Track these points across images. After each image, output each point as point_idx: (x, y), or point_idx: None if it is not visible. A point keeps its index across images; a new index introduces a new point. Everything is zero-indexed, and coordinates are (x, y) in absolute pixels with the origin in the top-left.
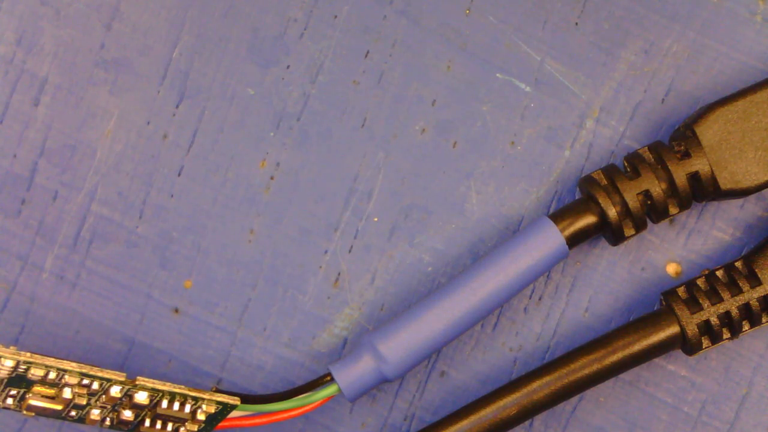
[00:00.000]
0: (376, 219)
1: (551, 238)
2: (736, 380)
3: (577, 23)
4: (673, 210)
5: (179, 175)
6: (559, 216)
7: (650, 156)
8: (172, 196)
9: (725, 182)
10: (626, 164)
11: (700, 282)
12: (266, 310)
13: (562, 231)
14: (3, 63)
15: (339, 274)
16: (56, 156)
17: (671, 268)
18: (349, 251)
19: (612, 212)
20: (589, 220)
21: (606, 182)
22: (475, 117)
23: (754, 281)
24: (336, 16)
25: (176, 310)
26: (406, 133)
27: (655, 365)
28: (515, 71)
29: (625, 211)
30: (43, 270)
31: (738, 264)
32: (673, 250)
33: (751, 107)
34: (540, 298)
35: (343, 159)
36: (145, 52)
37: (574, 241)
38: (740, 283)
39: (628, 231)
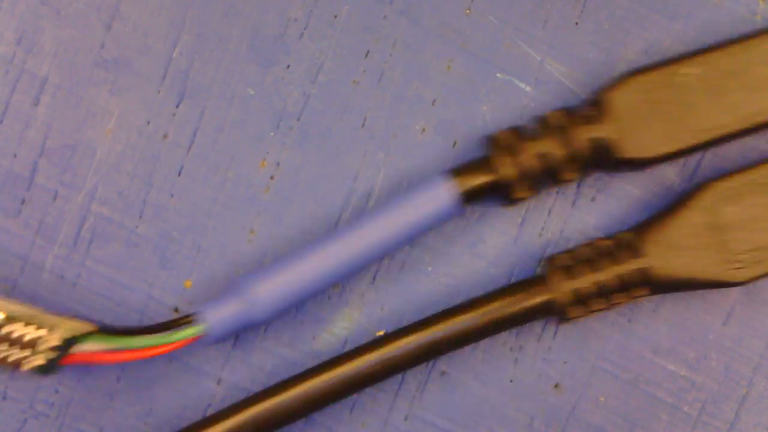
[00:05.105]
0: None
1: (442, 193)
2: (736, 380)
3: (577, 23)
4: (570, 175)
5: (179, 174)
6: (455, 172)
7: (557, 119)
8: (172, 196)
9: (626, 151)
10: (533, 127)
11: (582, 250)
12: None
13: (455, 187)
14: (3, 63)
15: None
16: (56, 156)
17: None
18: None
19: (506, 171)
20: (484, 178)
21: (507, 142)
22: (475, 117)
23: (635, 253)
24: (336, 16)
25: (176, 310)
26: (406, 132)
27: (655, 365)
28: (515, 71)
29: (520, 172)
30: (43, 270)
31: (623, 236)
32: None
33: (667, 78)
34: None
35: (343, 159)
36: (145, 52)
37: (468, 198)
38: (621, 255)
39: (522, 193)
